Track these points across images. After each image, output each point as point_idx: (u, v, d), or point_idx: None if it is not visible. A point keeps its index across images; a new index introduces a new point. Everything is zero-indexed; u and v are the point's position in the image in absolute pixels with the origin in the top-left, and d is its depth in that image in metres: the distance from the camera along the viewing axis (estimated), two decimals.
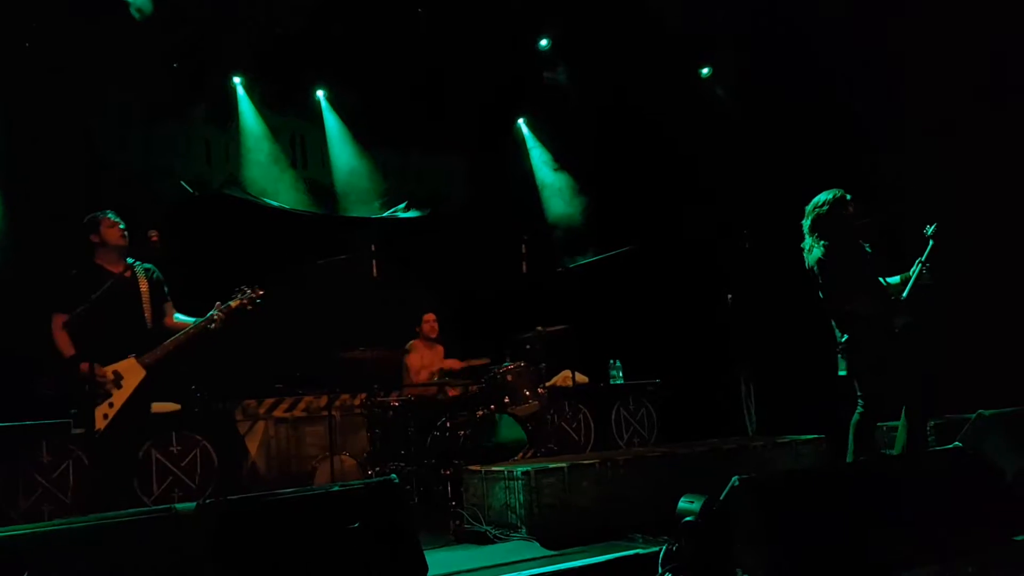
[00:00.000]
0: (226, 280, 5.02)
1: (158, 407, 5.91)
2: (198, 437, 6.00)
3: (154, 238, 4.65)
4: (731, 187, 8.45)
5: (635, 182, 8.72)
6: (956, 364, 6.26)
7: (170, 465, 5.88)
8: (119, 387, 4.52)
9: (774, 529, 3.11)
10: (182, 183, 7.43)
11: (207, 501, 2.96)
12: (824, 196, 4.98)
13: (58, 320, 4.55)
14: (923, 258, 4.89)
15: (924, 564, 3.31)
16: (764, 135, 8.28)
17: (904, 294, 4.85)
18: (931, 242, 4.90)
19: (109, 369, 4.53)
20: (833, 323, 4.96)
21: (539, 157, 9.67)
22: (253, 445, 6.49)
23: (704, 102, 8.84)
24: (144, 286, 4.77)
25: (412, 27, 7.76)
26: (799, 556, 3.11)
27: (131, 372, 4.58)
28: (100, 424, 4.44)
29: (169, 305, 4.94)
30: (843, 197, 4.94)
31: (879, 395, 4.81)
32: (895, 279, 5.01)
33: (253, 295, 4.89)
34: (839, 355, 4.95)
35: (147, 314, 4.74)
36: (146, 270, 4.84)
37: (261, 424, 6.59)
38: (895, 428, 5.07)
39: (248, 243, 7.28)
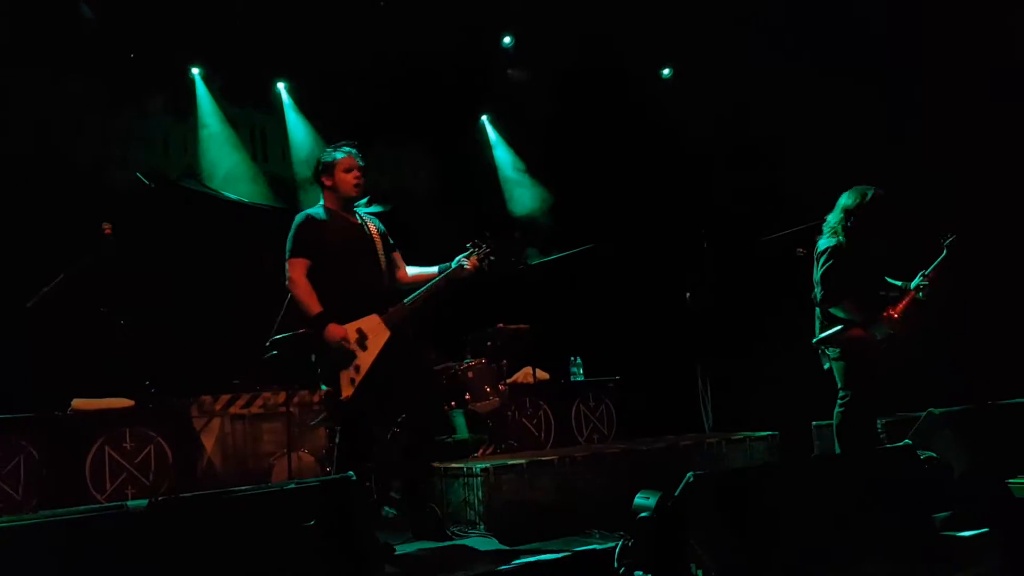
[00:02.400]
0: (184, 274, 4.91)
1: (109, 403, 5.85)
2: (152, 433, 5.90)
3: (107, 230, 4.52)
4: (691, 187, 8.55)
5: (597, 181, 8.77)
6: (911, 363, 6.41)
7: (123, 462, 5.78)
8: (364, 348, 4.04)
9: (727, 524, 3.15)
10: (138, 175, 7.30)
11: (159, 499, 2.92)
12: (858, 196, 4.80)
13: (299, 265, 4.08)
14: (927, 271, 4.87)
15: (874, 560, 3.37)
16: (725, 136, 8.39)
17: (896, 308, 4.83)
18: (944, 252, 4.86)
19: (352, 327, 4.04)
20: (816, 313, 4.95)
21: (502, 154, 9.67)
22: (209, 442, 6.40)
23: (665, 102, 8.91)
24: (375, 233, 4.33)
25: (374, 19, 7.71)
26: (752, 551, 3.15)
27: (376, 332, 4.08)
28: (347, 391, 3.98)
29: (398, 256, 4.48)
30: (877, 196, 4.75)
31: (857, 390, 4.81)
32: (898, 283, 4.97)
33: (494, 244, 4.41)
34: (819, 349, 4.95)
35: (382, 264, 4.26)
36: (371, 218, 4.42)
37: (217, 420, 6.49)
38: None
39: (206, 236, 7.19)
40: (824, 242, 4.84)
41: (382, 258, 4.29)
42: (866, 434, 4.86)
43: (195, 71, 7.86)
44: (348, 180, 4.30)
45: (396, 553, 4.11)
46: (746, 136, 8.35)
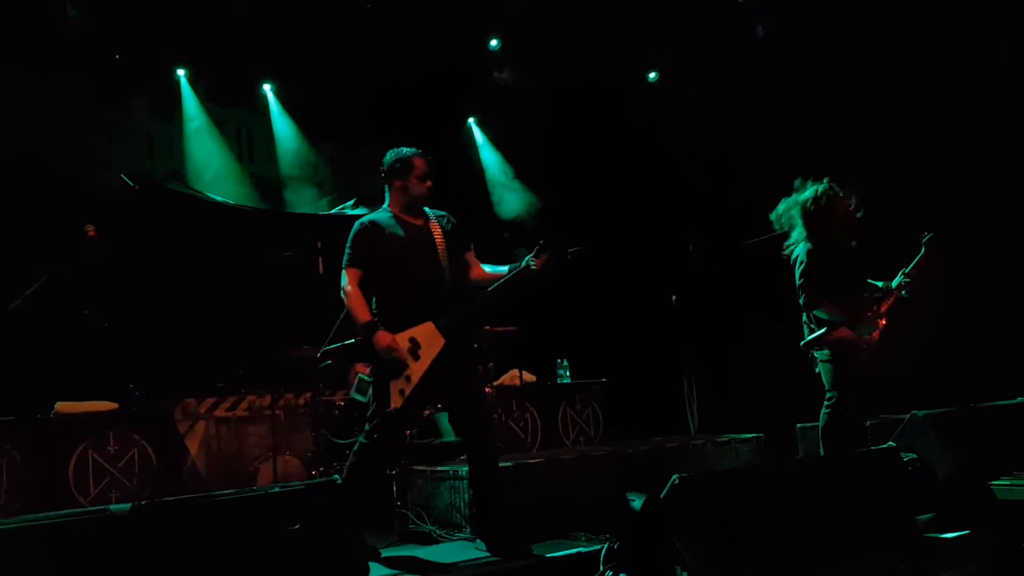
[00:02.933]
0: (168, 276, 4.87)
1: (93, 406, 5.81)
2: (136, 436, 5.85)
3: (91, 232, 4.47)
4: (677, 190, 8.58)
5: (584, 184, 8.79)
6: (895, 365, 6.45)
7: (107, 465, 5.73)
8: (416, 358, 3.91)
9: (712, 526, 3.16)
10: (122, 176, 7.26)
11: (142, 503, 2.90)
12: (814, 191, 4.76)
13: (353, 275, 3.99)
14: (908, 269, 4.86)
15: (858, 560, 3.39)
16: (711, 139, 8.43)
17: (880, 307, 4.83)
18: (923, 250, 4.84)
19: (405, 336, 3.92)
20: (804, 319, 4.93)
21: (489, 156, 9.68)
22: (193, 445, 6.37)
23: (651, 105, 8.94)
24: (439, 235, 4.17)
25: (361, 21, 7.70)
26: (737, 553, 3.16)
27: (430, 340, 3.95)
28: (396, 402, 3.86)
29: (472, 255, 4.31)
30: (835, 192, 4.73)
31: (844, 391, 4.79)
32: (879, 283, 4.95)
33: (560, 249, 4.28)
34: (808, 352, 4.92)
35: (445, 268, 4.11)
36: (438, 217, 4.27)
37: (201, 424, 6.46)
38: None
39: (191, 239, 7.15)
40: (799, 250, 4.81)
41: (444, 260, 4.13)
42: (853, 436, 4.86)
43: (180, 72, 7.82)
44: (420, 187, 4.20)
45: (382, 556, 4.11)
46: (732, 139, 8.39)
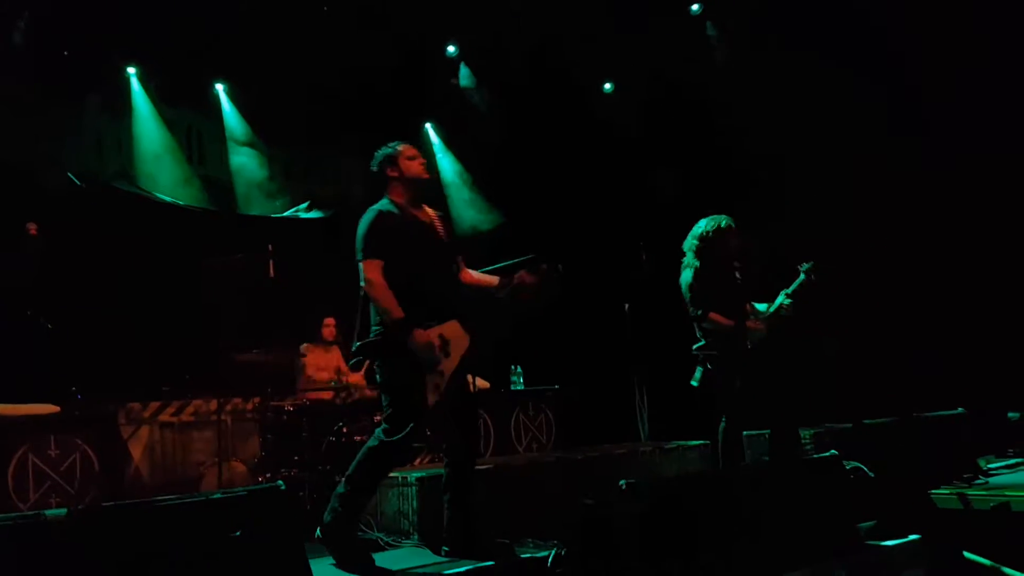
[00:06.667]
0: (114, 277, 4.77)
1: (34, 409, 5.67)
2: (78, 441, 5.72)
3: (32, 231, 4.36)
4: (629, 201, 8.67)
5: (539, 193, 8.82)
6: (839, 375, 6.58)
7: (47, 470, 5.59)
8: (447, 355, 3.82)
9: (657, 532, 3.18)
10: (69, 175, 7.10)
11: (79, 508, 2.83)
12: (710, 224, 5.11)
13: (376, 266, 3.78)
14: (788, 291, 5.13)
15: (799, 566, 3.44)
16: (661, 151, 8.54)
17: (769, 310, 5.15)
18: (801, 276, 5.13)
19: (435, 333, 3.81)
20: (698, 334, 5.18)
21: (446, 162, 9.66)
22: (137, 450, 6.24)
23: (606, 117, 9.03)
24: (443, 231, 4.05)
25: (317, 23, 7.65)
26: (682, 559, 3.19)
27: (457, 338, 3.87)
28: (433, 397, 3.76)
29: (461, 258, 4.20)
30: (729, 226, 5.09)
31: (736, 406, 5.01)
32: (762, 307, 5.23)
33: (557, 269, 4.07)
34: (697, 366, 5.18)
35: (453, 263, 4.02)
36: (439, 216, 4.15)
37: (146, 428, 6.34)
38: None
39: (139, 239, 7.02)
40: (686, 274, 5.13)
41: (452, 255, 4.10)
42: (738, 447, 5.08)
43: (131, 70, 7.69)
44: (416, 166, 4.09)
45: (332, 564, 4.06)
46: (684, 146, 8.51)
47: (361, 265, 3.86)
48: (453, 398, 3.97)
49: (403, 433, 3.84)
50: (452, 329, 3.89)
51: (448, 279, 4.02)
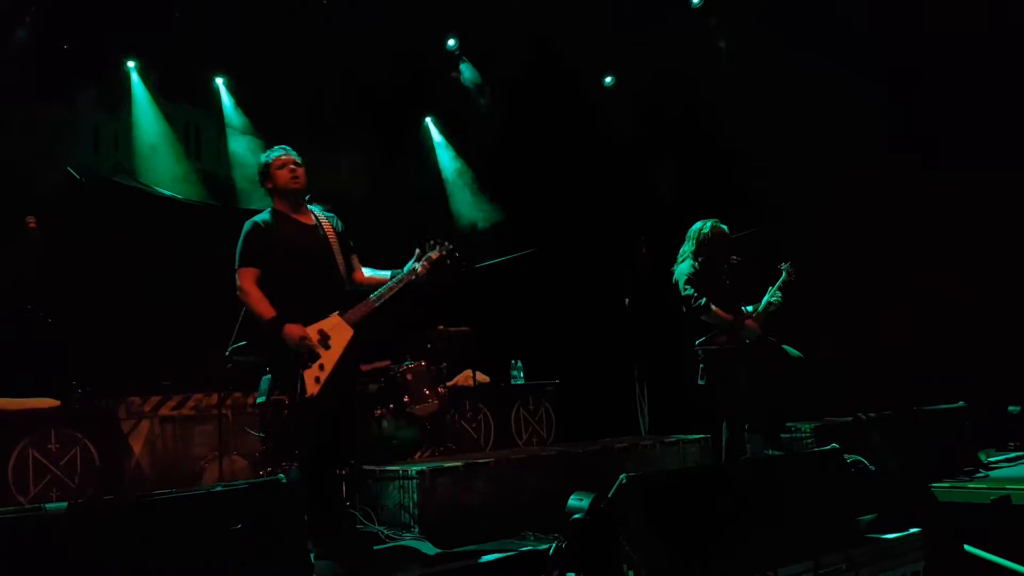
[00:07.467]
0: (113, 271, 4.76)
1: (34, 403, 5.66)
2: (79, 435, 5.72)
3: (31, 224, 4.36)
4: (629, 194, 8.65)
5: (539, 186, 8.81)
6: (840, 369, 6.57)
7: (48, 464, 5.59)
8: (327, 348, 4.00)
9: (658, 526, 3.18)
10: (68, 169, 7.09)
11: (79, 501, 2.83)
12: (705, 226, 5.34)
13: (249, 274, 4.03)
14: (774, 288, 5.44)
15: (800, 560, 3.44)
16: (661, 145, 8.53)
17: (758, 309, 5.36)
18: (784, 275, 5.48)
19: (314, 329, 3.99)
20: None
21: (446, 157, 9.64)
22: (137, 444, 6.24)
23: (604, 110, 9.01)
24: (331, 235, 4.24)
25: (316, 18, 7.63)
26: (682, 553, 3.18)
27: (338, 331, 4.05)
28: (312, 389, 3.92)
29: (356, 258, 4.39)
30: (722, 230, 5.32)
31: (739, 400, 5.11)
32: (750, 308, 5.42)
33: (451, 246, 4.32)
34: (699, 363, 5.31)
35: (340, 265, 4.20)
36: (328, 218, 4.32)
37: (146, 422, 6.34)
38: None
39: (138, 233, 7.01)
40: (683, 267, 5.31)
41: (340, 258, 4.22)
42: (739, 441, 5.17)
43: (131, 64, 7.66)
44: (284, 175, 4.21)
45: (327, 557, 4.06)
46: (685, 141, 8.49)
47: (236, 274, 4.09)
48: (340, 393, 4.06)
49: (298, 427, 4.09)
50: (332, 322, 4.06)
51: (330, 280, 4.15)
